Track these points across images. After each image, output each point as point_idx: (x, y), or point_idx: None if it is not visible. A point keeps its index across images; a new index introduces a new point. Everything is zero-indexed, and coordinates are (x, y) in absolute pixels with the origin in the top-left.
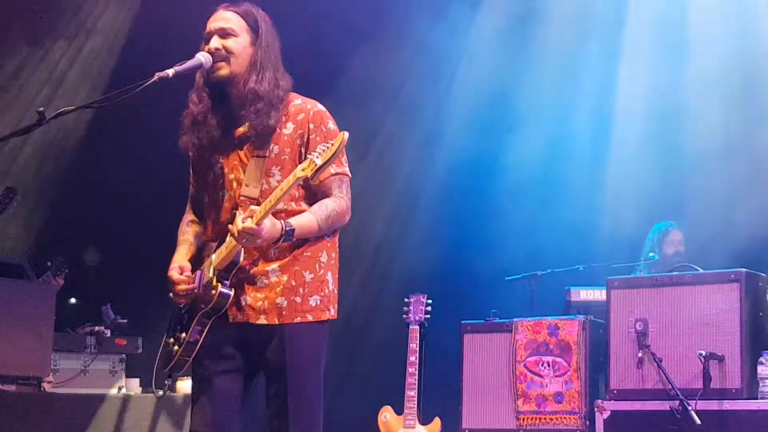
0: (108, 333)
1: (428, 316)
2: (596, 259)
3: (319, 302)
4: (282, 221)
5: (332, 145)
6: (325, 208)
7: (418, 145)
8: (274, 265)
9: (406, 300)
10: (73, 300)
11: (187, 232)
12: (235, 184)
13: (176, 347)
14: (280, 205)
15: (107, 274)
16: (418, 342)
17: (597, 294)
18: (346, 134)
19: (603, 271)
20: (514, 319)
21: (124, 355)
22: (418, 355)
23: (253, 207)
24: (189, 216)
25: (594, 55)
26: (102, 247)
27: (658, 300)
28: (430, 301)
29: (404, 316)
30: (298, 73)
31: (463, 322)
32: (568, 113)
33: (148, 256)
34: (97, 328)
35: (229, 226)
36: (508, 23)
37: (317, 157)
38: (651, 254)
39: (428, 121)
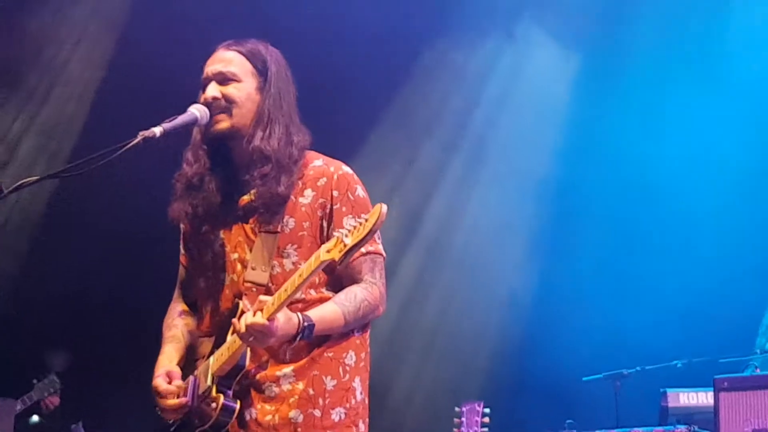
0: None
1: (486, 429)
2: (698, 353)
3: (343, 416)
4: (299, 314)
5: (366, 221)
6: (353, 297)
7: (480, 217)
8: (287, 369)
9: (457, 409)
10: (35, 418)
11: (176, 327)
12: (238, 266)
13: None
14: (297, 294)
15: (77, 383)
16: None
17: (701, 398)
18: (385, 207)
19: (708, 369)
20: None
21: None
22: None
23: (262, 297)
24: (178, 305)
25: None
26: (71, 348)
27: None
28: (487, 410)
29: (455, 430)
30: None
31: None
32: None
33: (128, 358)
34: None
35: (233, 320)
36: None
37: (346, 235)
38: None
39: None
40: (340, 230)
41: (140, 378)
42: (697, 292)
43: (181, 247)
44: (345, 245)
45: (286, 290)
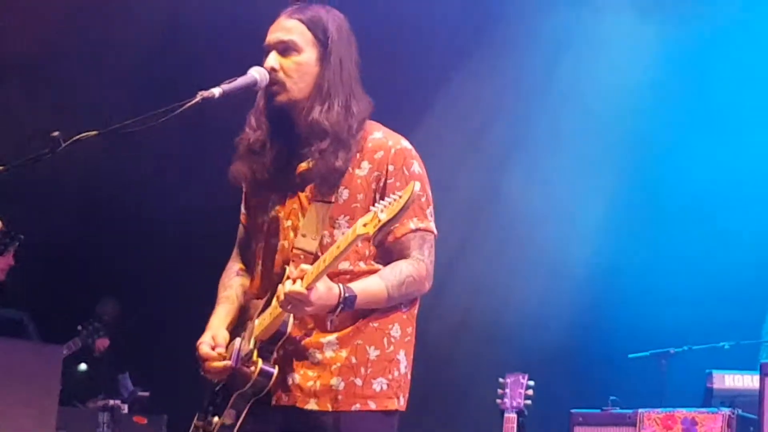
0: (125, 408)
1: (529, 402)
2: (747, 335)
3: (385, 387)
4: (341, 286)
5: (400, 197)
6: (399, 272)
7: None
8: (331, 337)
9: (501, 380)
10: (83, 366)
11: (231, 287)
12: (291, 233)
13: None
14: (344, 265)
15: (127, 334)
16: None
17: (747, 381)
18: (418, 185)
19: (755, 351)
20: (639, 410)
21: None
22: None
23: (303, 266)
24: (236, 265)
25: None
26: (121, 297)
27: None
28: (531, 383)
29: (498, 401)
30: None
31: (573, 411)
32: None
33: (178, 311)
34: (112, 402)
35: (279, 287)
36: None
37: (382, 211)
38: None
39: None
40: (378, 204)
41: (192, 329)
42: (750, 274)
43: (242, 206)
44: (379, 220)
45: (324, 261)
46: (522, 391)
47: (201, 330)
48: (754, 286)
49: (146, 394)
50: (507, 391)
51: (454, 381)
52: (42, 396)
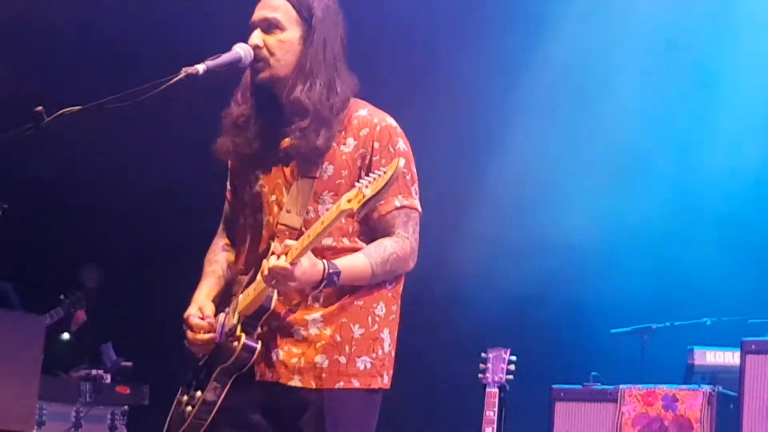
0: (108, 378)
1: (511, 376)
2: (729, 312)
3: (369, 365)
4: (325, 262)
5: (384, 173)
6: (383, 249)
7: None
8: (316, 314)
9: (483, 355)
10: (66, 335)
11: (216, 262)
12: (275, 208)
13: (189, 408)
14: (328, 241)
15: (110, 302)
16: (496, 409)
17: (728, 357)
18: (402, 161)
19: (737, 328)
20: (620, 386)
21: (126, 407)
22: (495, 426)
23: (288, 242)
24: (221, 239)
25: None
26: (104, 264)
27: None
28: (513, 358)
29: (480, 375)
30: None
31: (554, 386)
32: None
33: (163, 280)
34: (94, 371)
35: (263, 262)
36: None
37: (366, 186)
38: None
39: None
40: (362, 180)
41: (176, 299)
42: (732, 251)
43: (228, 182)
44: (364, 196)
45: (308, 236)
46: (504, 366)
47: (184, 300)
48: (737, 263)
49: (129, 363)
50: (489, 365)
51: (436, 355)
52: (25, 365)
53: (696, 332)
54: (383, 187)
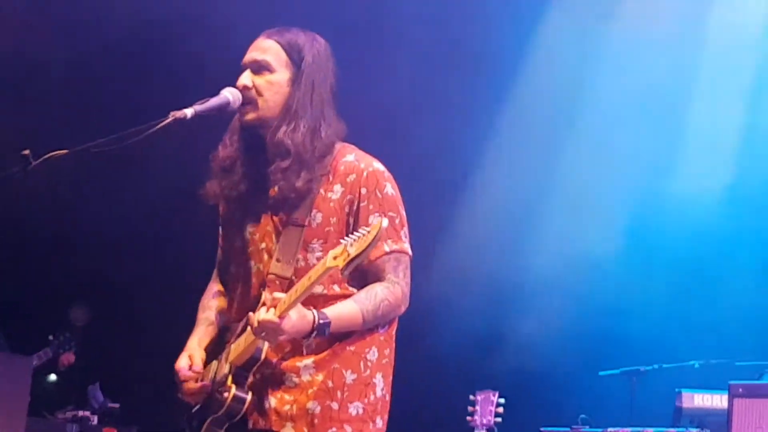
0: (95, 420)
1: (499, 419)
2: (717, 354)
3: (361, 411)
4: (314, 312)
5: (368, 232)
6: (374, 296)
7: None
8: (308, 361)
9: (471, 397)
10: (53, 376)
11: (210, 308)
12: (265, 256)
13: None
14: (319, 289)
15: (98, 342)
16: None
17: (716, 400)
18: (386, 221)
19: (725, 371)
20: (609, 429)
21: None
22: None
23: (277, 294)
24: (215, 285)
25: None
26: (93, 303)
27: None
28: (502, 401)
29: (468, 418)
30: None
31: (542, 429)
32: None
33: (150, 322)
34: (81, 413)
35: (249, 314)
36: None
37: (351, 244)
38: None
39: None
40: (348, 237)
41: (166, 340)
42: (721, 288)
43: (219, 228)
44: (349, 254)
45: (296, 290)
46: (492, 408)
47: (173, 342)
48: (725, 306)
49: (116, 405)
50: (477, 408)
51: (425, 397)
52: (11, 406)
53: (684, 375)
54: (367, 247)
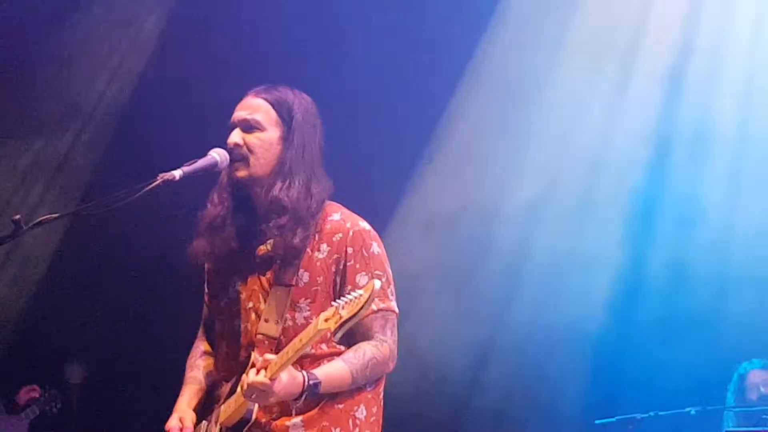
0: None
1: None
2: (713, 400)
3: None
4: (304, 373)
5: (360, 296)
6: (362, 355)
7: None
8: (297, 420)
9: None
10: None
11: (197, 367)
12: (253, 316)
13: None
14: (306, 348)
15: (93, 399)
16: None
17: None
18: (378, 283)
19: (721, 417)
20: None
21: None
22: None
23: (267, 356)
24: (201, 345)
25: None
26: (89, 361)
27: None
28: None
29: None
30: None
31: None
32: None
33: (147, 375)
34: None
35: (243, 377)
36: None
37: (342, 307)
38: None
39: None
40: (339, 300)
41: (161, 395)
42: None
43: (206, 286)
44: (340, 317)
45: (287, 352)
46: None
47: (165, 397)
48: (720, 351)
49: None
50: None
51: None
52: None
53: (680, 422)
54: (359, 310)
